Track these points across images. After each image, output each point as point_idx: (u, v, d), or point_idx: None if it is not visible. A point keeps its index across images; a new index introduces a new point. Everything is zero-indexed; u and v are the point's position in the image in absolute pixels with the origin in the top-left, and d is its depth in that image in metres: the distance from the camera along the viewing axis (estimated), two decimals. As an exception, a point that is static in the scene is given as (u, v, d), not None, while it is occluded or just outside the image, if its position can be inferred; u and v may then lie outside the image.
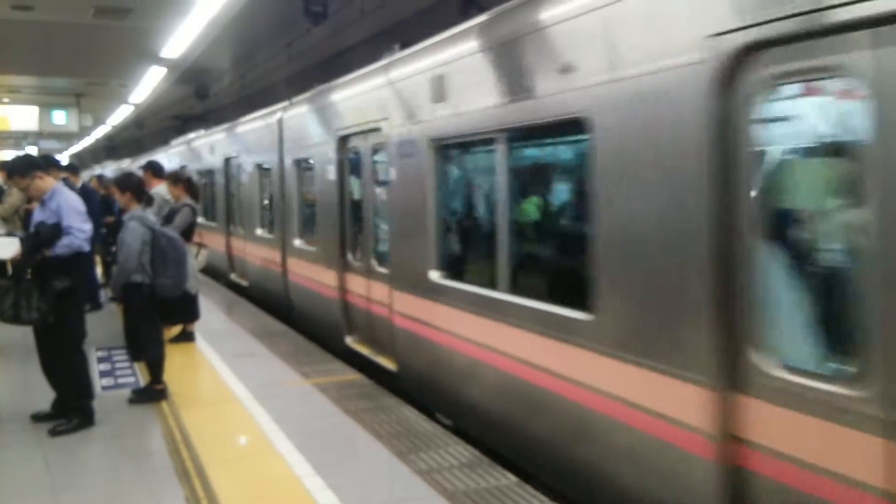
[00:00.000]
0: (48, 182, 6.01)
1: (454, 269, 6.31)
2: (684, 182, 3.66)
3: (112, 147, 44.96)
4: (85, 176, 17.08)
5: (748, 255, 3.42)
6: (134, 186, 6.70)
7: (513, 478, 4.89)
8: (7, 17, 13.03)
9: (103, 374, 7.50)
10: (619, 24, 4.08)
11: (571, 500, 4.77)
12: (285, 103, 11.23)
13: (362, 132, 7.91)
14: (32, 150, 28.31)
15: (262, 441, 5.58)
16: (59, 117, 23.92)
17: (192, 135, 18.69)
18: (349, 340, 8.41)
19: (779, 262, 3.43)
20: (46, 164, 7.54)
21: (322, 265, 9.20)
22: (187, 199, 8.94)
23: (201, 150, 16.71)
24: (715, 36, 3.44)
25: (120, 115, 30.21)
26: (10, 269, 5.78)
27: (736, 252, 3.46)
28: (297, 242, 10.35)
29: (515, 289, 5.33)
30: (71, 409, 5.95)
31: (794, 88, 3.34)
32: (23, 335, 7.28)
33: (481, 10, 6.51)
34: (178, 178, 9.17)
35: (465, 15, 7.20)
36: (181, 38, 14.47)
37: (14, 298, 5.60)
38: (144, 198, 6.89)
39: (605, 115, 4.19)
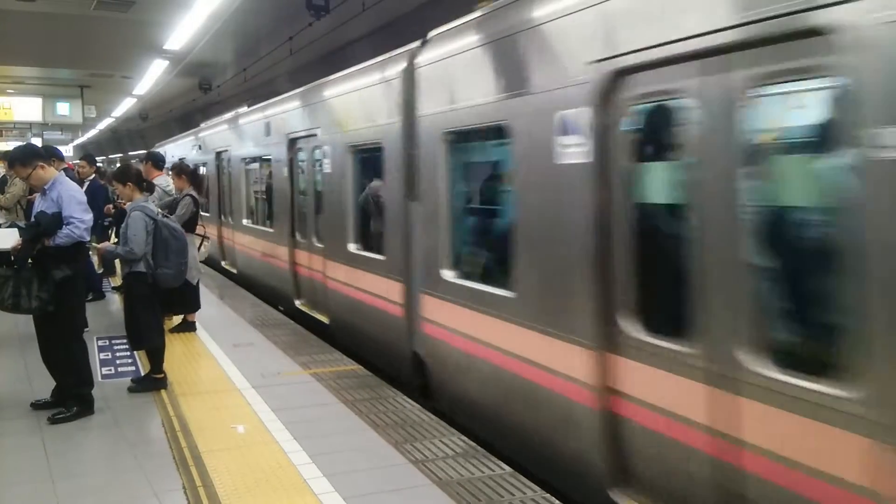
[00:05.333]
0: (49, 172, 6.05)
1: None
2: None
3: (117, 138, 45.02)
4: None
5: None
6: (133, 177, 6.77)
7: (506, 468, 4.93)
8: (10, 8, 13.07)
9: (104, 362, 7.56)
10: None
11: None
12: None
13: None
14: (37, 142, 28.41)
15: (259, 430, 5.62)
16: (63, 108, 23.95)
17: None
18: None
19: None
20: (47, 154, 7.59)
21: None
22: (190, 190, 8.99)
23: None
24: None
25: (124, 106, 30.25)
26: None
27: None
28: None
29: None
30: (70, 398, 5.99)
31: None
32: (24, 323, 7.36)
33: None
34: (182, 170, 9.21)
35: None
36: (184, 30, 14.50)
37: (14, 287, 5.64)
38: (146, 186, 6.94)
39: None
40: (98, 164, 13.05)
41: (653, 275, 4.04)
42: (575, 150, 4.39)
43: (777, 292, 3.41)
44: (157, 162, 9.79)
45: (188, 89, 23.77)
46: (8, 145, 23.67)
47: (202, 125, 18.20)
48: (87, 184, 10.53)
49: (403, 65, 6.86)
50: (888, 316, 2.74)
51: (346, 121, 8.37)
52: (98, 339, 8.41)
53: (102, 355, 7.82)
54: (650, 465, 4.02)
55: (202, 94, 23.09)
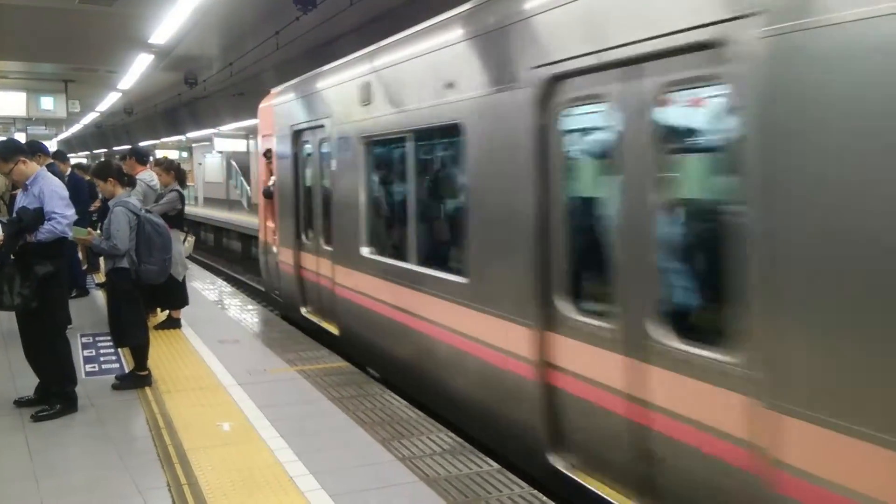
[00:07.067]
0: (31, 167, 5.99)
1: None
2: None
3: (101, 134, 44.72)
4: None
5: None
6: (114, 172, 6.72)
7: (494, 464, 4.92)
8: (-7, 2, 12.92)
9: (87, 359, 7.50)
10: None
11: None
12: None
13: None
14: (21, 137, 28.17)
15: (245, 427, 5.59)
16: (47, 103, 23.70)
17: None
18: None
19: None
20: (32, 149, 7.51)
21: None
22: (176, 185, 8.94)
23: None
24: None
25: (108, 101, 30.01)
26: None
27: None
28: None
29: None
30: (54, 395, 5.94)
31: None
32: (7, 320, 7.28)
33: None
34: (170, 166, 9.17)
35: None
36: (168, 24, 14.37)
37: (-5, 284, 5.59)
38: (127, 180, 6.87)
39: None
40: (80, 161, 12.92)
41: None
42: None
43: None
44: (141, 157, 9.71)
45: (174, 84, 23.59)
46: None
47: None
48: (66, 178, 10.43)
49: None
50: None
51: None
52: (82, 336, 8.35)
53: (86, 352, 7.76)
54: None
55: (188, 88, 22.92)
